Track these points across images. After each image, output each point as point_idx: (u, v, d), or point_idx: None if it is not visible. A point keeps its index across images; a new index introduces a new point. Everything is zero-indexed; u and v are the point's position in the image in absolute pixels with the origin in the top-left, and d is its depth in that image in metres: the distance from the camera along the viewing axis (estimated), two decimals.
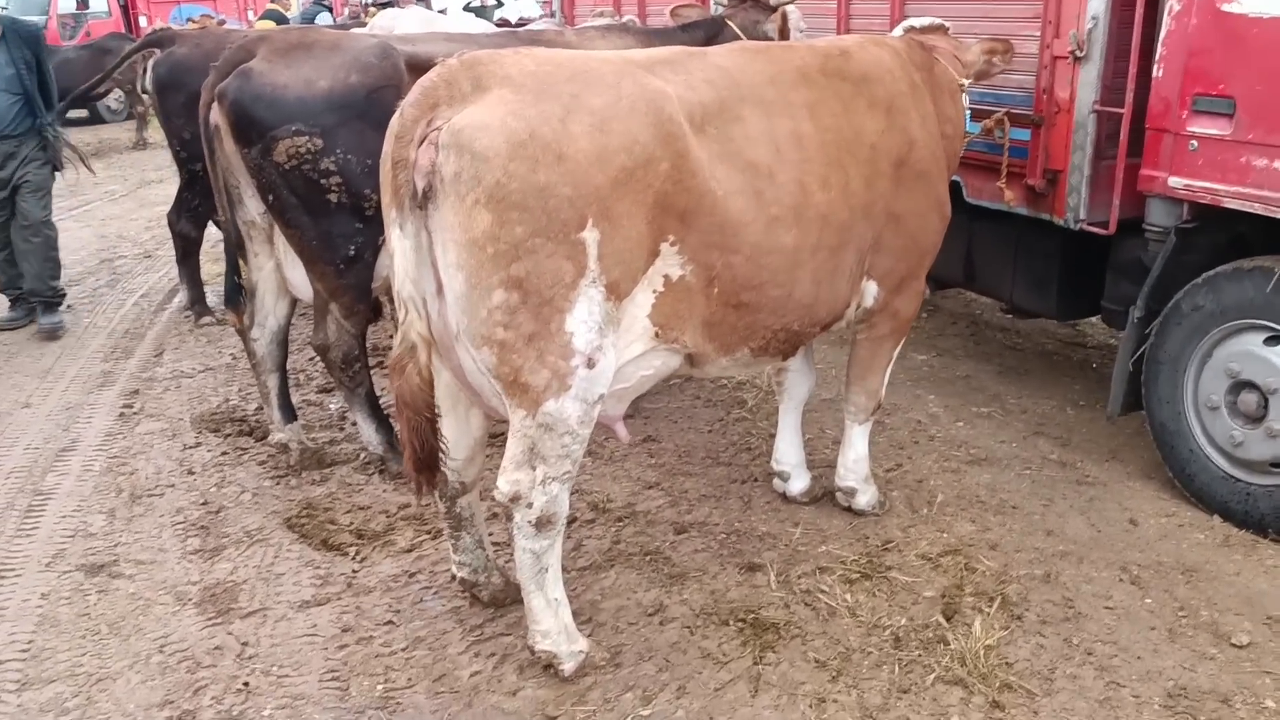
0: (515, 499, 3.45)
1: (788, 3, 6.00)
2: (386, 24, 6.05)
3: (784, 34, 6.04)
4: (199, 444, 5.75)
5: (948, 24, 4.98)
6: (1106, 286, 5.35)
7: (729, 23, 5.99)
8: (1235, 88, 4.35)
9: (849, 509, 4.80)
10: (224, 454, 5.62)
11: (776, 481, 4.98)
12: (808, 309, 3.94)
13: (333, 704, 3.61)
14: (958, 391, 6.32)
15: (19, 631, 4.06)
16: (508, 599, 4.08)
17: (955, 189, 5.76)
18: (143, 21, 21.82)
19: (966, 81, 4.74)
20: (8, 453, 5.69)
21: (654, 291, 3.54)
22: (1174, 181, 4.62)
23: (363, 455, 5.46)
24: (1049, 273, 5.69)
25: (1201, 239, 4.75)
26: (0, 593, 4.33)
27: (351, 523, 4.85)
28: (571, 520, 4.79)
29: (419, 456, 3.51)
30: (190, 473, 5.40)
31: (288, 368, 5.55)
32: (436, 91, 3.25)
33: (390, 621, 4.07)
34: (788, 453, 4.91)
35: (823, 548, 4.51)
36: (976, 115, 5.33)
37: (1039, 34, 5.13)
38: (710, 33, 5.92)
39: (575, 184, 3.20)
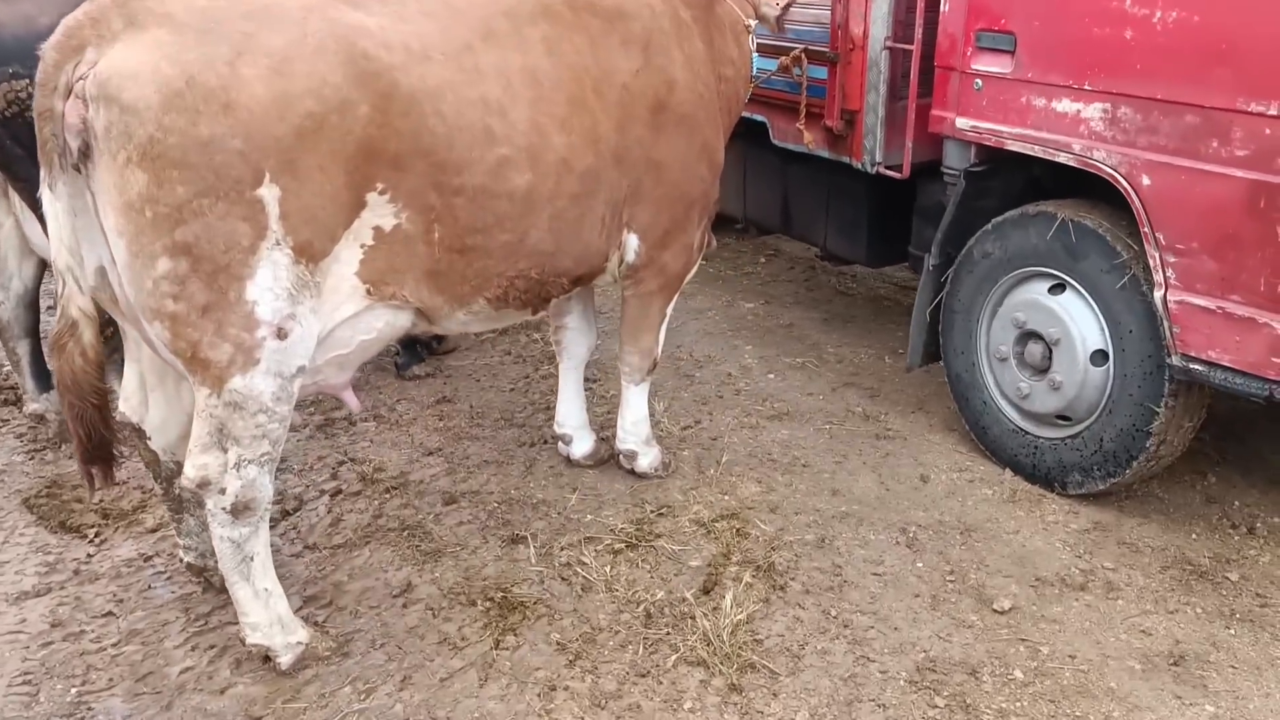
0: (204, 485, 3.13)
1: None
2: None
3: None
4: None
5: None
6: (913, 233, 5.15)
7: None
8: (1015, 23, 4.12)
9: (631, 472, 4.57)
10: None
11: (560, 445, 4.71)
12: (548, 257, 3.64)
13: (15, 713, 3.28)
14: (776, 341, 6.11)
15: None
16: None
17: (762, 130, 5.52)
18: None
19: (753, 22, 4.44)
20: None
21: (361, 246, 3.21)
22: (961, 123, 4.40)
23: None
24: (858, 218, 5.48)
25: (995, 183, 4.55)
26: None
27: (100, 501, 4.48)
28: (335, 493, 4.48)
29: (87, 447, 3.17)
30: None
31: (41, 333, 5.11)
32: (82, 32, 2.85)
33: (110, 613, 3.74)
34: (569, 414, 4.64)
35: (594, 516, 4.27)
36: (775, 52, 5.06)
37: None
38: None
39: (247, 136, 2.85)
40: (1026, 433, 4.47)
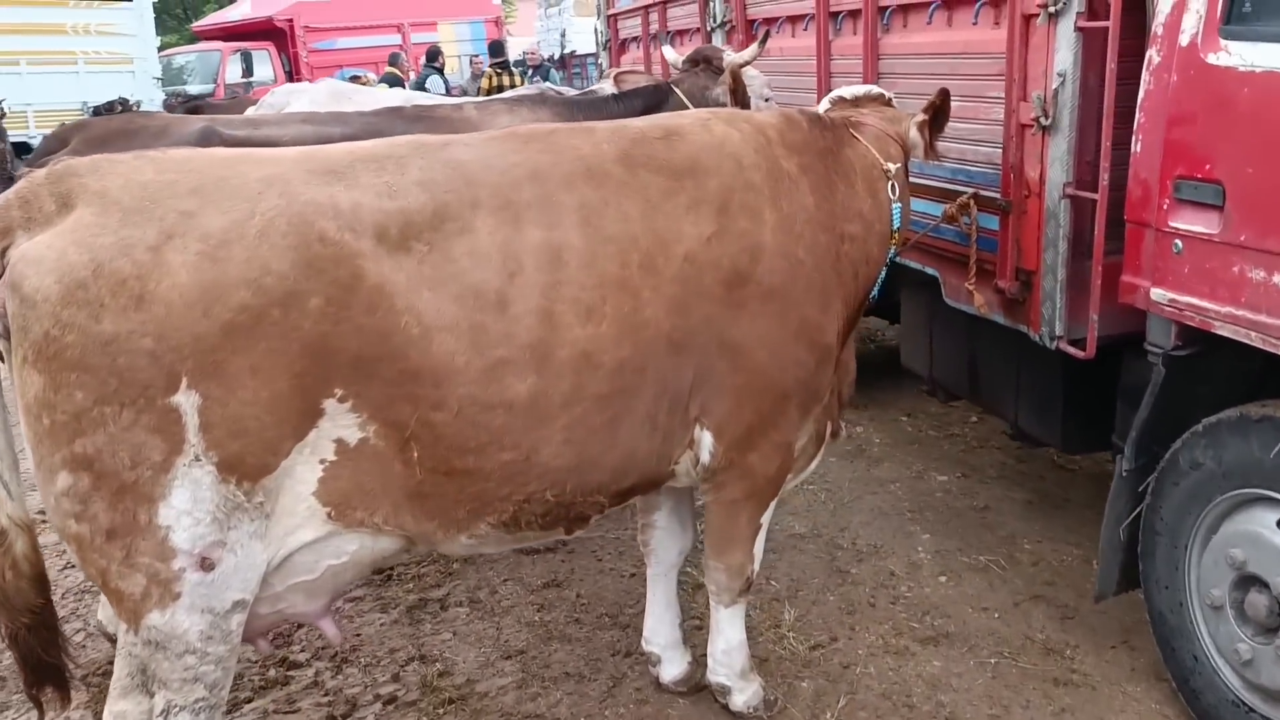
0: None
1: (743, 64, 5.01)
2: (279, 100, 5.45)
3: (739, 100, 5.06)
4: None
5: (888, 93, 3.93)
6: (1116, 418, 4.07)
7: (675, 90, 5.06)
8: (1223, 169, 3.11)
9: (725, 708, 3.74)
10: None
11: (649, 665, 3.96)
12: (569, 474, 2.97)
13: None
14: (962, 529, 5.09)
15: None
16: None
17: (935, 286, 4.65)
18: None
19: (894, 166, 3.65)
20: None
21: (321, 462, 2.68)
22: (1157, 294, 3.39)
23: None
24: (1052, 394, 4.44)
25: (1207, 370, 3.48)
26: None
27: None
28: (390, 700, 3.94)
29: (32, 671, 2.77)
30: None
31: None
32: (9, 214, 2.52)
33: None
34: (659, 630, 3.89)
35: None
36: (943, 196, 4.22)
37: (1004, 96, 3.97)
38: (651, 102, 5.01)
39: (161, 333, 2.41)
40: (1253, 710, 3.29)
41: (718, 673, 3.71)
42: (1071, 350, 3.82)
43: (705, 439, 3.26)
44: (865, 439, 6.38)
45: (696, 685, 3.87)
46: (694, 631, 4.19)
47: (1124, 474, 3.64)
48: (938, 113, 3.72)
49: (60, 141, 4.14)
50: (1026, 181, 3.90)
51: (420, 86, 14.63)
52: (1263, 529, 3.18)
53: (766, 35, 5.32)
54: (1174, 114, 3.25)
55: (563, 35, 28.78)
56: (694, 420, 3.22)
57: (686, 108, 4.93)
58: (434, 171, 2.84)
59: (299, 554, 2.75)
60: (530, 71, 17.33)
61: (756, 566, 3.62)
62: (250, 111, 5.43)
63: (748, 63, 5.06)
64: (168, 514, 2.48)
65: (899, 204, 3.65)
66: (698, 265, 3.09)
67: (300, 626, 4.47)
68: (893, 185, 3.63)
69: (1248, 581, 3.24)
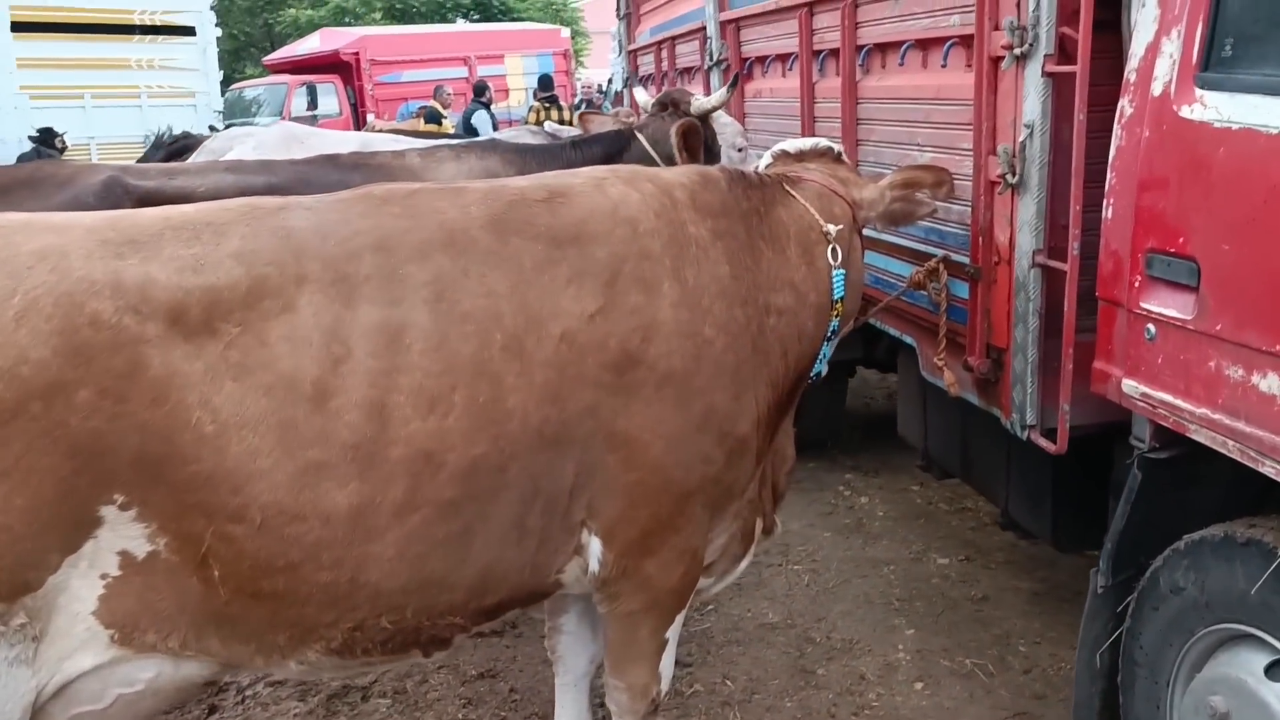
0: None
1: (711, 109, 4.60)
2: (221, 145, 5.18)
3: (710, 149, 4.64)
4: None
5: (836, 147, 3.49)
6: (1110, 515, 3.55)
7: (638, 135, 4.67)
8: (1197, 243, 2.60)
9: None
10: None
11: None
12: (411, 595, 2.56)
13: None
14: (951, 625, 4.56)
15: None
16: None
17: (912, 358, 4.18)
18: (370, 119, 22.63)
19: (834, 228, 3.21)
20: None
21: (103, 578, 2.33)
22: (1128, 386, 2.87)
23: None
24: (1041, 485, 3.91)
25: (1207, 468, 2.95)
26: None
27: None
28: None
29: None
30: None
31: None
32: None
33: None
34: None
35: None
36: (914, 258, 3.76)
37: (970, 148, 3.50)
38: (612, 149, 4.63)
39: None
40: None
41: None
42: (1043, 442, 3.32)
43: (594, 545, 2.83)
44: (868, 511, 5.87)
45: None
46: None
47: (1095, 592, 3.12)
48: (937, 184, 3.30)
49: None
50: (996, 246, 3.42)
51: (466, 121, 14.48)
52: (1247, 675, 2.63)
53: (736, 79, 4.92)
54: (1145, 176, 2.75)
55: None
56: (579, 524, 2.80)
57: (650, 154, 4.55)
58: (257, 241, 2.49)
59: (80, 681, 2.39)
60: (584, 105, 17.12)
61: (665, 687, 3.16)
62: (194, 157, 5.17)
63: (716, 108, 4.66)
64: None
65: (841, 270, 3.20)
66: (577, 347, 2.68)
67: (213, 713, 4.16)
68: (834, 249, 3.19)
69: None
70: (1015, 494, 4.13)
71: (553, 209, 2.80)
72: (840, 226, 3.22)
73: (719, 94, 4.74)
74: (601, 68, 34.43)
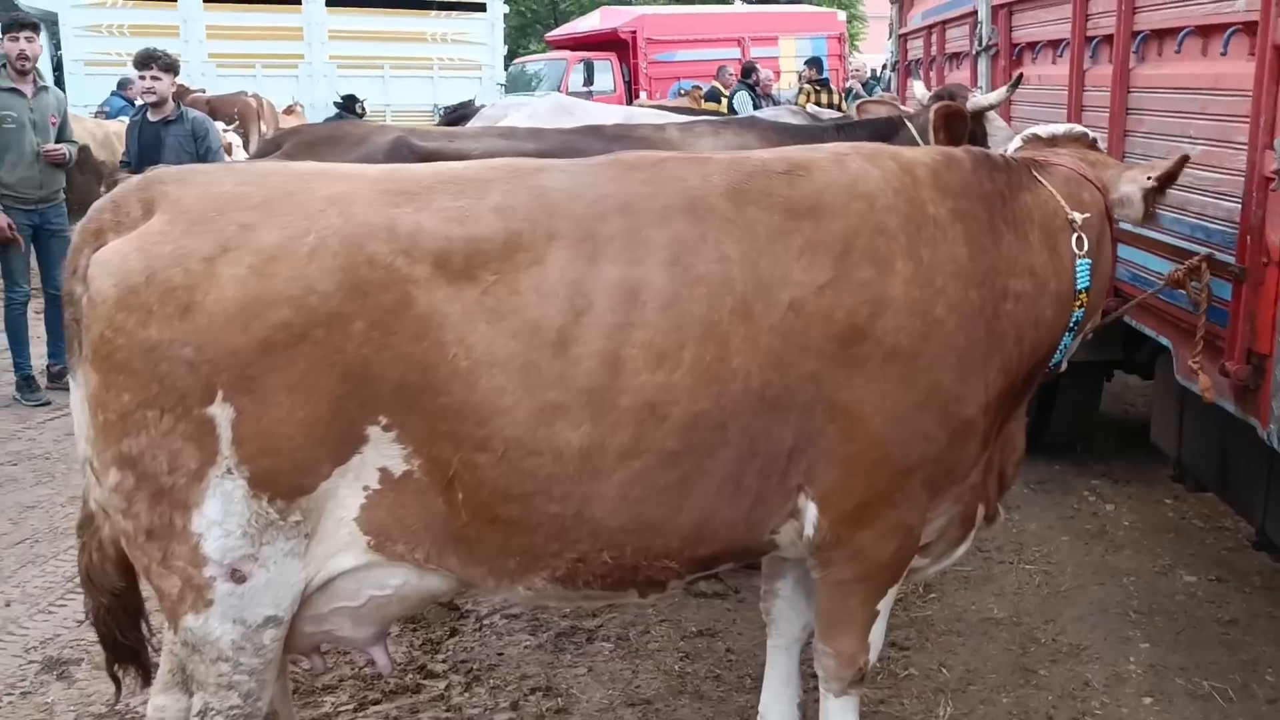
0: None
1: (987, 108, 4.52)
2: (497, 113, 5.48)
3: (965, 140, 4.57)
4: None
5: (1091, 133, 3.39)
6: None
7: (907, 124, 4.65)
8: None
9: None
10: None
11: None
12: (630, 535, 2.73)
13: None
14: (1193, 643, 4.34)
15: None
16: None
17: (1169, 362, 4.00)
18: (642, 95, 23.24)
19: (1080, 217, 3.12)
20: None
21: (365, 489, 2.62)
22: None
23: None
24: None
25: None
26: None
27: None
28: None
29: (110, 650, 2.93)
30: None
31: None
32: (102, 216, 2.65)
33: None
34: (772, 707, 3.56)
35: None
36: (1175, 255, 3.60)
37: (1245, 142, 3.30)
38: (877, 136, 4.63)
39: (201, 344, 2.44)
40: None
41: None
42: None
43: (810, 510, 2.90)
44: (1112, 519, 5.62)
45: None
46: None
47: None
48: (1169, 179, 3.15)
49: (274, 145, 4.38)
50: (1266, 246, 3.22)
51: (730, 102, 14.66)
52: None
53: (1019, 79, 4.77)
54: None
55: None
56: (795, 488, 2.89)
57: (917, 144, 4.53)
58: (516, 198, 2.71)
59: (341, 579, 2.70)
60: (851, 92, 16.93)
61: (873, 657, 3.20)
62: (472, 123, 5.56)
63: (992, 106, 4.57)
64: (200, 522, 2.50)
65: (1087, 259, 3.11)
66: (804, 316, 2.76)
67: (453, 635, 4.52)
68: (1079, 238, 3.10)
69: None
70: (1274, 512, 3.87)
71: (791, 181, 2.88)
72: (1088, 215, 3.13)
73: (997, 93, 4.65)
74: (876, 53, 33.80)
